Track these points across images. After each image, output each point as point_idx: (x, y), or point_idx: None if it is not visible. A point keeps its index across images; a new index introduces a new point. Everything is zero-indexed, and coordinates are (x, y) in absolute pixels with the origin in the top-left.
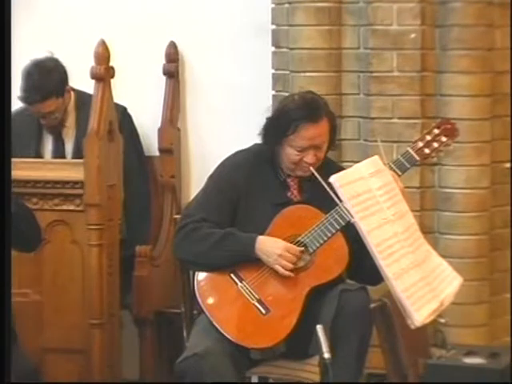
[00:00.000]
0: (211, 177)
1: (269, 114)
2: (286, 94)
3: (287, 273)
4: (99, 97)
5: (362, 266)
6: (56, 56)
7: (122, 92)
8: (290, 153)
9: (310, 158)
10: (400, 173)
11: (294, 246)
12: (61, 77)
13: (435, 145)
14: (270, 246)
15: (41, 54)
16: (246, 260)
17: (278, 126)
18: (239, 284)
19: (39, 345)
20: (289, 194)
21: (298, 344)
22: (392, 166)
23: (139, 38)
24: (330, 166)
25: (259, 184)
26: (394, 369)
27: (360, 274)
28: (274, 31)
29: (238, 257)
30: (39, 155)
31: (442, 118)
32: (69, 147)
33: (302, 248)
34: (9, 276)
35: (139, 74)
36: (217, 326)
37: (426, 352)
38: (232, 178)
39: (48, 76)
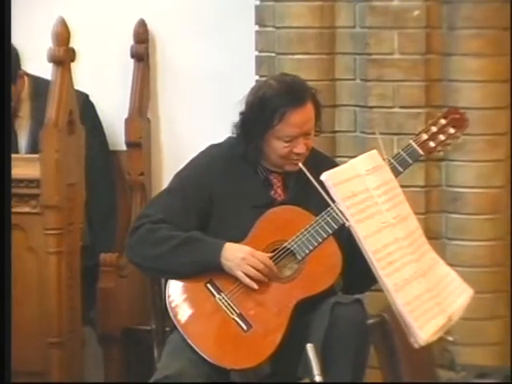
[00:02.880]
0: (179, 175)
1: (241, 108)
2: None
3: (247, 280)
4: (58, 83)
5: (352, 269)
6: None
7: (83, 77)
8: (277, 146)
9: (300, 147)
10: (401, 169)
11: (261, 253)
12: (13, 61)
13: (442, 137)
14: (234, 250)
15: None
16: (213, 269)
17: (261, 119)
18: (217, 296)
19: None
20: (272, 193)
21: (285, 365)
22: (392, 161)
23: (103, 15)
24: (321, 161)
25: (236, 183)
26: None
27: (347, 278)
28: (257, 7)
29: (201, 265)
30: None
31: (449, 106)
32: (22, 141)
33: (271, 254)
34: (9, 274)
35: (103, 56)
36: (191, 344)
37: (432, 374)
38: (203, 179)
39: None
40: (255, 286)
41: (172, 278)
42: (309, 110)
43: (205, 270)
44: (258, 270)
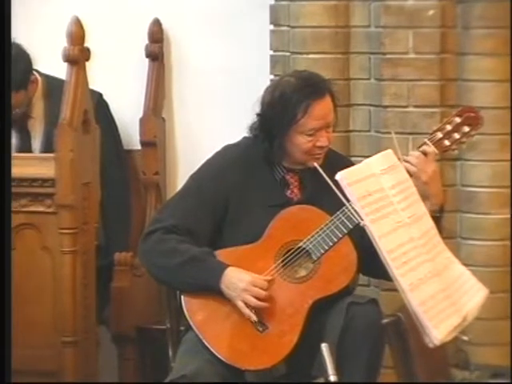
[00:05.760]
0: (193, 177)
1: (257, 109)
2: None
3: (247, 311)
4: (73, 82)
5: (374, 261)
6: (18, 40)
7: (98, 77)
8: (300, 141)
9: (323, 140)
10: None
11: (262, 279)
12: (25, 67)
13: (456, 136)
14: (234, 277)
15: None
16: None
17: (283, 115)
18: None
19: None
20: (288, 192)
21: (300, 365)
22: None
23: (118, 14)
24: (336, 160)
25: (253, 184)
26: None
27: (374, 269)
28: (272, 7)
29: (202, 287)
30: None
31: (463, 106)
32: (36, 141)
33: (270, 278)
34: (9, 275)
35: (118, 55)
36: (207, 344)
37: (446, 374)
38: (220, 181)
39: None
40: (254, 318)
41: (175, 289)
42: (328, 101)
43: (205, 290)
44: (259, 299)
